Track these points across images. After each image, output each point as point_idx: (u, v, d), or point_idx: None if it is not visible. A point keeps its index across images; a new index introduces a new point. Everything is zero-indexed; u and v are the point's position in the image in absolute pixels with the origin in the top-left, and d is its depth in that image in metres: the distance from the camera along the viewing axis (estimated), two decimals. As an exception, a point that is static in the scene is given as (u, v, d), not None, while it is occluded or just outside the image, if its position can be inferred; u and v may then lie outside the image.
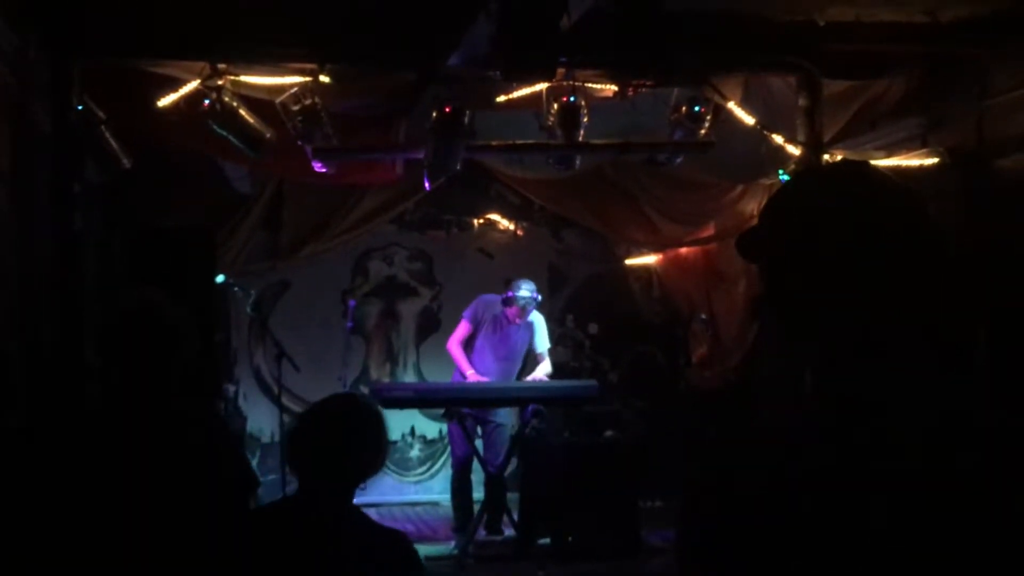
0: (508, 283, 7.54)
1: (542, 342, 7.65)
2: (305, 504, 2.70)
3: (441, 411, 7.80)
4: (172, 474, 2.70)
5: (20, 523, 2.66)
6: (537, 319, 7.61)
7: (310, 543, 2.60)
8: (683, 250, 9.13)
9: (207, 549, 2.62)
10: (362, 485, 2.72)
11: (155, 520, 2.66)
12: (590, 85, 6.30)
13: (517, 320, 7.41)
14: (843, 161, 1.38)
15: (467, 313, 7.57)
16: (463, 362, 7.47)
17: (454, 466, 7.60)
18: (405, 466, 9.26)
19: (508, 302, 7.38)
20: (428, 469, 9.31)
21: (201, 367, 2.95)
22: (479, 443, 7.49)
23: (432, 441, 9.30)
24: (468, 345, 7.56)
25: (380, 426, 2.80)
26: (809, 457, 1.23)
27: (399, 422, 9.06)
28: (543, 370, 7.62)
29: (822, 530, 1.19)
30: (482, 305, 7.55)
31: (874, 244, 1.27)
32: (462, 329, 7.54)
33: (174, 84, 5.96)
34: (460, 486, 7.50)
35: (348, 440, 2.70)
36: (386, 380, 9.19)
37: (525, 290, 7.34)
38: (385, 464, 2.84)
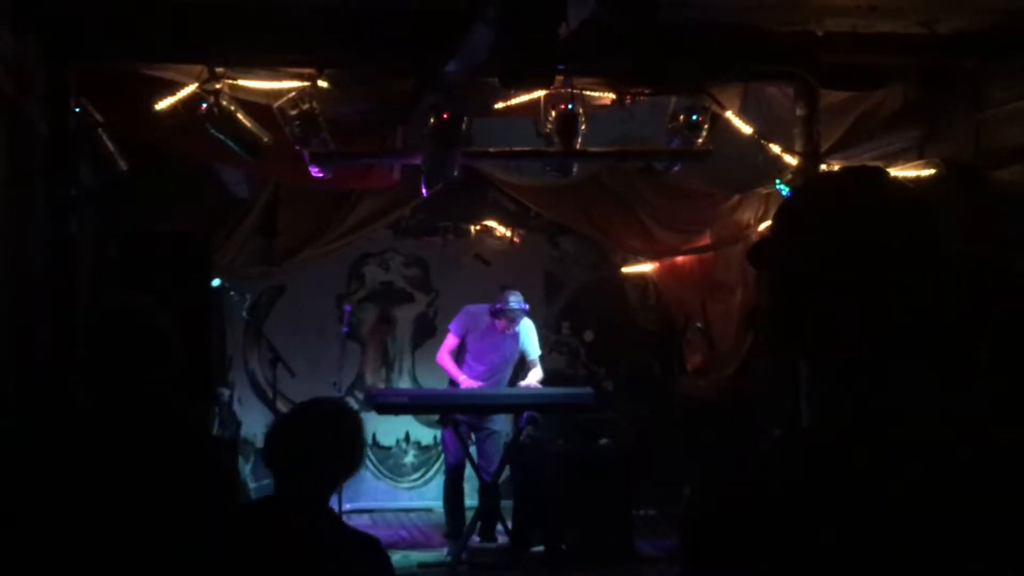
0: (503, 289, 7.55)
1: (533, 349, 7.65)
2: (280, 505, 2.71)
3: (436, 417, 7.79)
4: (149, 478, 2.69)
5: (10, 526, 2.65)
6: (527, 326, 7.62)
7: (283, 544, 2.60)
8: (679, 259, 9.13)
9: (188, 551, 2.61)
10: (337, 489, 2.74)
11: (136, 523, 2.65)
12: (588, 93, 6.30)
13: (506, 331, 7.42)
14: (860, 167, 1.36)
15: (453, 326, 7.61)
16: (454, 371, 7.48)
17: (447, 472, 7.60)
18: (399, 472, 9.23)
19: (497, 314, 7.40)
20: (422, 475, 9.29)
21: (188, 371, 2.93)
22: (473, 450, 7.48)
23: (426, 447, 9.28)
24: (459, 355, 7.58)
25: (357, 430, 2.81)
26: (818, 469, 1.22)
27: (393, 428, 9.05)
28: (535, 376, 7.61)
29: (832, 544, 1.19)
30: (468, 316, 7.57)
31: (890, 251, 1.26)
32: (449, 341, 7.58)
33: (172, 87, 5.95)
34: (452, 493, 7.50)
35: (324, 443, 2.71)
36: (381, 386, 9.17)
37: (514, 302, 7.35)
38: (361, 467, 2.86)
